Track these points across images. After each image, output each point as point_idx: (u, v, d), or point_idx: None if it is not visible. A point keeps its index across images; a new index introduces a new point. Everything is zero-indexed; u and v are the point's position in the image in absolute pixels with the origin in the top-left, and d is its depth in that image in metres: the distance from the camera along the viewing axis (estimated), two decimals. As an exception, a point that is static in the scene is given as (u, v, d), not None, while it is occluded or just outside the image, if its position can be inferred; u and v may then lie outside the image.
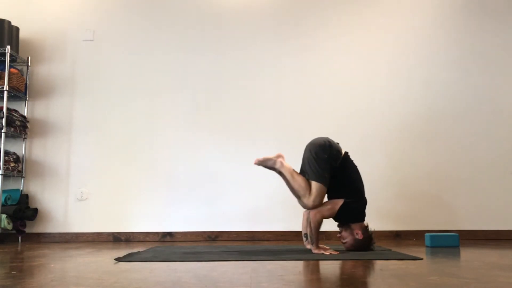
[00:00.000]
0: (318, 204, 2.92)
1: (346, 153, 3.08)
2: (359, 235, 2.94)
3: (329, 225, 3.11)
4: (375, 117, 4.41)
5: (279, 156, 3.05)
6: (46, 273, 2.13)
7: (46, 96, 4.44)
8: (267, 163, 3.03)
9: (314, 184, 2.91)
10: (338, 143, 3.10)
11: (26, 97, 4.38)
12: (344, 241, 3.00)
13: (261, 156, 3.05)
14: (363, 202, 3.01)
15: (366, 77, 4.48)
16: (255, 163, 3.04)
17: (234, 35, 4.54)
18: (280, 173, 3.04)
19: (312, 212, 2.91)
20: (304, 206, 3.01)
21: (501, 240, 4.08)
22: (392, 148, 4.37)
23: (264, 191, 4.28)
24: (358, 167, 3.10)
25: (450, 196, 4.30)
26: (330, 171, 2.95)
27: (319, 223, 2.91)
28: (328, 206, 2.94)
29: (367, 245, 2.97)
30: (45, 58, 4.50)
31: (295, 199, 3.24)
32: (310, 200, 2.92)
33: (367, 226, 3.00)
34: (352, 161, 3.09)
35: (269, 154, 3.10)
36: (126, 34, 4.54)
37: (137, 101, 4.44)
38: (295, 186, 2.97)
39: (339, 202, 2.94)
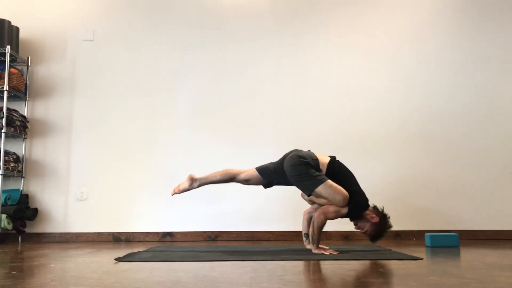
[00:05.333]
0: (346, 196, 2.85)
1: (332, 159, 3.05)
2: (375, 218, 2.93)
3: (330, 225, 3.10)
4: (375, 117, 4.41)
5: (190, 178, 3.10)
6: (46, 273, 2.13)
7: (46, 96, 4.44)
8: (184, 189, 3.11)
9: (321, 189, 2.86)
10: (309, 150, 3.10)
11: (26, 97, 4.38)
12: (363, 231, 2.99)
13: (177, 188, 3.13)
14: (365, 198, 2.99)
15: (366, 77, 4.48)
16: (173, 194, 3.14)
17: (235, 35, 4.54)
18: (205, 184, 3.13)
19: (317, 213, 2.91)
20: (248, 183, 3.14)
21: (501, 240, 4.08)
22: (392, 148, 4.36)
23: (264, 191, 4.26)
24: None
25: (450, 196, 4.30)
26: (316, 170, 2.94)
27: (323, 224, 2.90)
28: (334, 209, 2.90)
29: (386, 223, 2.96)
30: (45, 58, 4.50)
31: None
32: (338, 204, 2.86)
33: (375, 207, 3.00)
34: (341, 164, 3.06)
35: (183, 181, 3.17)
36: (126, 34, 4.54)
37: (137, 101, 4.44)
38: (223, 178, 3.11)
39: (344, 208, 2.91)
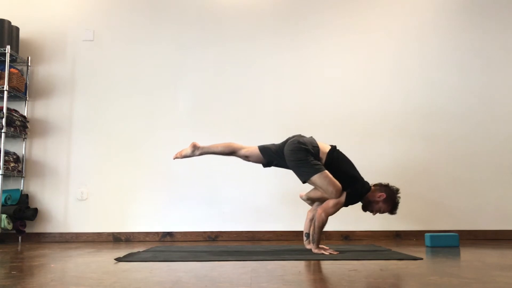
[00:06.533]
0: (339, 188, 2.88)
1: (333, 148, 3.06)
2: (382, 196, 2.96)
3: (330, 225, 3.10)
4: (375, 116, 4.40)
5: (193, 145, 3.12)
6: (46, 273, 2.13)
7: (46, 96, 4.44)
8: (186, 155, 3.13)
9: (316, 179, 2.88)
10: (311, 137, 3.11)
11: (26, 97, 4.38)
12: (381, 212, 3.02)
13: (179, 153, 3.16)
14: (364, 183, 3.01)
15: (366, 76, 4.48)
16: (174, 158, 3.18)
17: (234, 34, 4.54)
18: (207, 153, 3.15)
19: (318, 211, 2.91)
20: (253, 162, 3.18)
21: (501, 240, 4.08)
22: (392, 148, 4.36)
23: (264, 191, 4.28)
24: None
25: (450, 196, 4.30)
26: (315, 158, 2.95)
27: (324, 223, 2.91)
28: (333, 203, 2.91)
29: (393, 192, 3.00)
30: (45, 58, 4.50)
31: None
32: (330, 195, 2.89)
33: (374, 185, 3.03)
34: (340, 152, 3.08)
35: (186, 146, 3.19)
36: (126, 34, 4.54)
37: (137, 101, 4.44)
38: (224, 150, 3.14)
39: (342, 195, 2.92)
